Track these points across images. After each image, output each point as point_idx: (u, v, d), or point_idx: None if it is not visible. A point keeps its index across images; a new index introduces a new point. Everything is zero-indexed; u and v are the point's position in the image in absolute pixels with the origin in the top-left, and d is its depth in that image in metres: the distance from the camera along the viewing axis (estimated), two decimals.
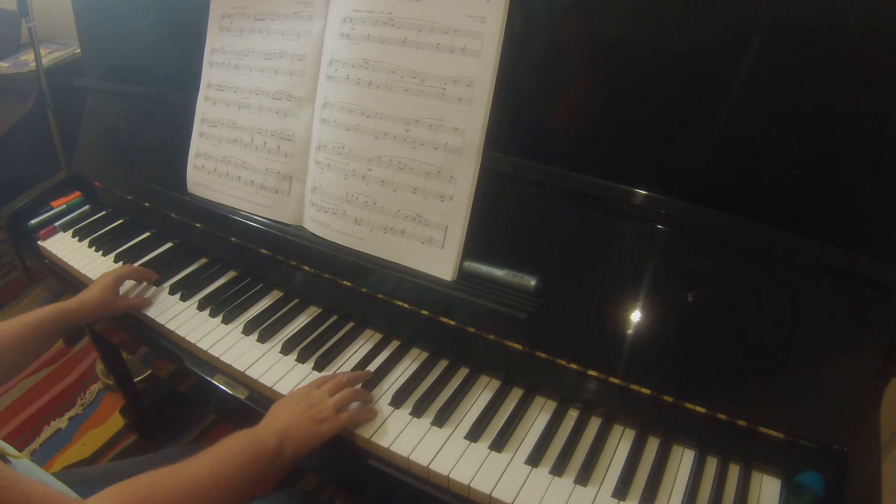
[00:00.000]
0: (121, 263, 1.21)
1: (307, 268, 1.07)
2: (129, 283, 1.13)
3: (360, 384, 0.90)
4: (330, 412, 0.81)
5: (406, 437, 0.83)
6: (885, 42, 0.68)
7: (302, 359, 0.96)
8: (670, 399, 0.80)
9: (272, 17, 1.07)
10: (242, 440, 0.74)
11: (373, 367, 0.94)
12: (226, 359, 0.97)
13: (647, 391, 0.81)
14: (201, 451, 0.71)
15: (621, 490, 0.75)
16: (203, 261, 1.22)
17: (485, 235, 0.91)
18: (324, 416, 0.80)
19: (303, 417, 0.79)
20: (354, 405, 0.86)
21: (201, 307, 1.08)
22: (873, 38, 0.68)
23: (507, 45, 0.85)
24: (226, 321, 1.04)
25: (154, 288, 1.14)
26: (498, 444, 0.81)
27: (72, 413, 1.84)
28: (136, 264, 1.20)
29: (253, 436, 0.76)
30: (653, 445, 0.82)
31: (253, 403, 0.92)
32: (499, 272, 0.89)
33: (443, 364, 0.95)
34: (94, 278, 1.18)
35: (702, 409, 0.79)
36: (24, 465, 0.65)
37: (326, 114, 1.00)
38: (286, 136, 1.06)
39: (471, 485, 0.76)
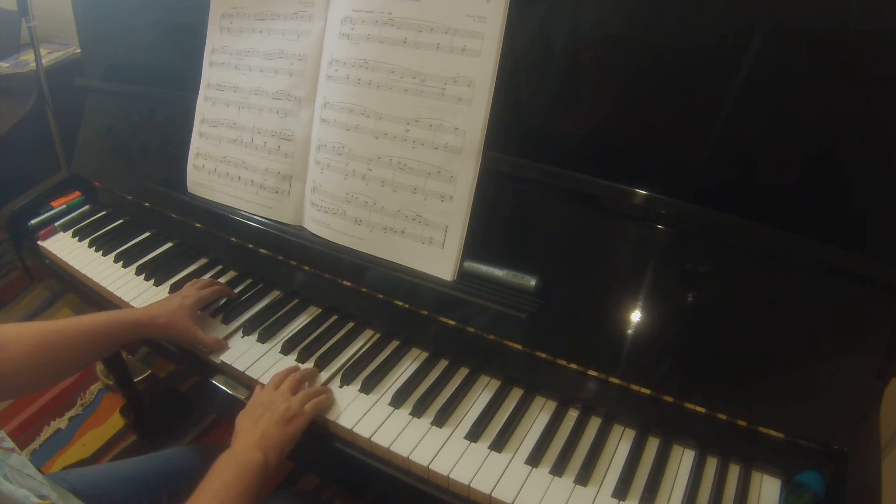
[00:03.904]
0: (120, 264, 1.21)
1: (307, 268, 1.07)
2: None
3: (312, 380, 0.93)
4: (297, 409, 0.83)
5: (406, 437, 0.83)
6: (886, 42, 0.68)
7: (302, 359, 0.96)
8: (670, 399, 0.80)
9: (272, 17, 1.07)
10: (233, 466, 0.75)
11: (373, 366, 0.94)
12: (225, 359, 0.97)
13: (647, 391, 0.81)
14: (199, 490, 0.71)
15: (621, 490, 0.76)
16: (203, 261, 1.22)
17: (485, 235, 0.91)
18: (291, 414, 0.82)
19: (272, 423, 0.80)
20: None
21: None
22: (873, 38, 0.68)
23: (507, 45, 0.85)
24: (226, 321, 1.04)
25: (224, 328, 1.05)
26: (498, 444, 0.81)
27: (72, 413, 1.84)
28: (136, 264, 1.20)
29: (240, 458, 0.76)
30: (653, 445, 0.82)
31: None
32: (499, 272, 0.89)
33: (443, 364, 0.95)
34: (94, 278, 1.18)
35: (702, 409, 0.79)
36: (18, 461, 0.64)
37: (326, 114, 1.00)
38: (286, 136, 1.06)
39: (471, 485, 0.76)
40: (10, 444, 0.65)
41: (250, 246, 1.13)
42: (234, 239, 1.15)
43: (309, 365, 0.95)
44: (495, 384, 0.91)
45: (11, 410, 1.85)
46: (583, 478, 0.77)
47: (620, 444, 0.83)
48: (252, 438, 0.79)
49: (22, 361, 0.81)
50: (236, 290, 1.11)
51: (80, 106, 1.43)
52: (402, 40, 0.91)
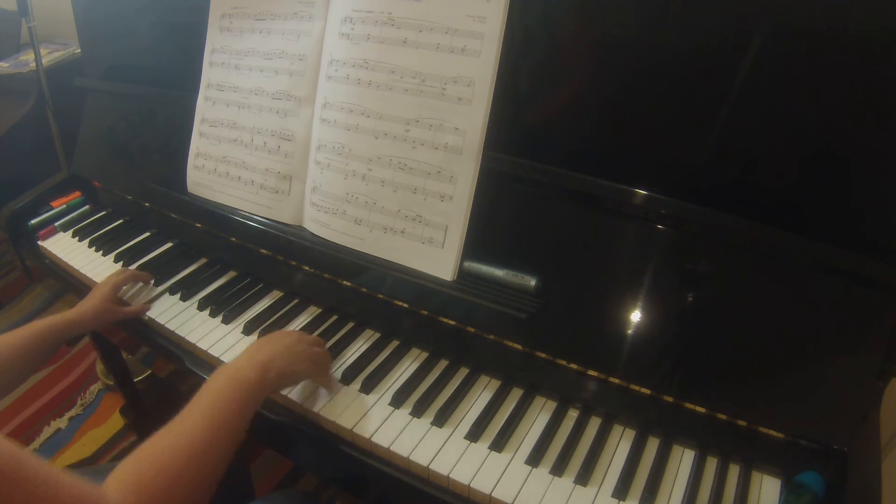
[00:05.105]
0: (120, 264, 1.22)
1: (307, 268, 1.07)
2: (125, 287, 1.13)
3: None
4: (310, 360, 0.85)
5: (406, 437, 0.83)
6: (886, 42, 0.68)
7: None
8: (670, 399, 0.80)
9: (272, 17, 1.07)
10: (225, 381, 0.76)
11: (373, 366, 0.94)
12: (226, 359, 0.97)
13: (647, 391, 0.81)
14: (191, 402, 0.72)
15: (621, 490, 0.76)
16: (203, 261, 1.22)
17: (485, 235, 0.91)
18: (303, 358, 0.84)
19: (282, 355, 0.82)
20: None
21: (201, 307, 1.08)
22: (874, 38, 0.68)
23: (507, 45, 0.85)
24: (226, 321, 1.04)
25: (150, 291, 1.14)
26: (498, 444, 0.81)
27: (72, 413, 1.84)
28: (136, 264, 1.20)
29: (235, 372, 0.77)
30: (653, 445, 0.82)
31: None
32: (499, 272, 0.89)
33: (443, 364, 0.95)
34: (94, 278, 1.19)
35: (702, 409, 0.79)
36: None
37: (326, 114, 1.00)
38: (286, 136, 1.06)
39: (471, 485, 0.76)
40: None
41: (250, 246, 1.13)
42: (234, 239, 1.15)
43: None
44: (495, 384, 0.91)
45: (11, 410, 1.85)
46: (583, 478, 0.77)
47: (620, 444, 0.82)
48: (257, 357, 0.80)
49: None
50: (236, 290, 1.12)
51: (80, 106, 1.43)
52: (402, 40, 0.91)
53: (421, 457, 0.80)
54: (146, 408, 1.74)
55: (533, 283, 0.86)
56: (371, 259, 0.97)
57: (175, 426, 0.69)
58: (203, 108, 1.17)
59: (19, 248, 1.37)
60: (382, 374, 0.93)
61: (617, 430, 0.84)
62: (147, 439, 0.66)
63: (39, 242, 1.31)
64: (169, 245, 1.27)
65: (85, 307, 1.05)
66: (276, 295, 1.11)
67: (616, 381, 0.82)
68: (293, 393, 0.89)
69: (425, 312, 0.95)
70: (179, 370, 1.03)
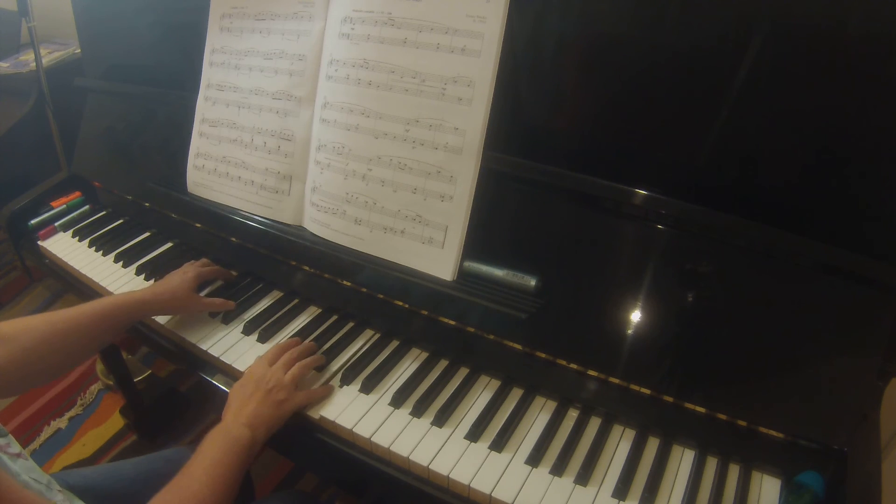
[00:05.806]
0: (120, 264, 1.21)
1: (307, 268, 1.07)
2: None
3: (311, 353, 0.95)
4: (288, 391, 0.85)
5: (406, 437, 0.83)
6: (886, 42, 0.68)
7: None
8: (670, 399, 0.80)
9: (272, 17, 1.07)
10: (222, 443, 0.78)
11: (373, 367, 0.94)
12: (225, 359, 0.97)
13: (647, 391, 0.81)
14: (188, 466, 0.74)
15: (621, 490, 0.76)
16: (203, 260, 1.21)
17: (485, 235, 0.91)
18: (282, 396, 0.85)
19: (264, 403, 0.83)
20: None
21: None
22: (874, 38, 0.68)
23: (507, 45, 0.85)
24: (226, 321, 1.05)
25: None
26: (498, 444, 0.81)
27: (72, 413, 1.84)
28: (136, 264, 1.20)
29: (228, 434, 0.79)
30: (653, 445, 0.82)
31: None
32: (499, 272, 0.89)
33: (443, 364, 0.95)
34: (94, 278, 1.19)
35: (702, 409, 0.79)
36: (24, 465, 0.64)
37: (326, 114, 1.00)
38: (286, 136, 1.06)
39: (471, 485, 0.76)
40: (16, 448, 0.65)
41: (250, 246, 1.13)
42: (234, 239, 1.15)
43: None
44: (495, 384, 0.91)
45: (11, 410, 1.85)
46: (583, 478, 0.77)
47: (620, 444, 0.83)
48: (242, 415, 0.82)
49: (35, 349, 0.84)
50: (236, 290, 1.11)
51: (80, 106, 1.43)
52: (402, 40, 0.91)
53: (421, 457, 0.80)
54: (146, 408, 1.73)
55: (533, 283, 0.86)
56: (371, 259, 0.97)
57: (181, 488, 0.71)
58: (203, 107, 1.17)
59: (19, 248, 1.37)
60: (382, 374, 0.93)
61: (617, 430, 0.84)
62: (152, 500, 0.68)
63: (39, 242, 1.31)
64: (169, 245, 1.27)
65: (161, 289, 1.01)
66: (276, 295, 1.11)
67: (616, 381, 0.82)
68: None
69: (425, 312, 0.95)
70: (179, 370, 1.03)
